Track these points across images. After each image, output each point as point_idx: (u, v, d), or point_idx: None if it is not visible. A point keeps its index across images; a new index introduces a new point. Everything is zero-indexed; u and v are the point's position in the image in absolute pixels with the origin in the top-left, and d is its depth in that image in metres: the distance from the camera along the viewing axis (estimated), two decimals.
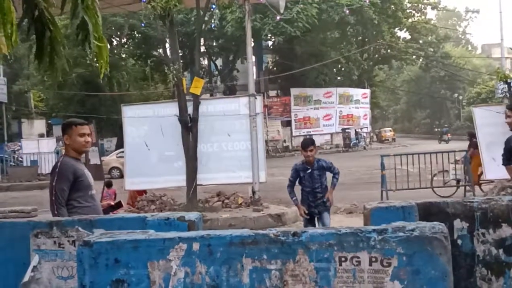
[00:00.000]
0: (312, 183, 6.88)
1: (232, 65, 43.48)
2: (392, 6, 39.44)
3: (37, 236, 3.03)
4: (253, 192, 11.47)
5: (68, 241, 2.99)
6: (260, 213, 10.85)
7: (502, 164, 6.65)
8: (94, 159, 12.32)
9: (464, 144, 15.42)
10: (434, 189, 12.97)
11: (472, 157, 12.98)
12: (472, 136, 14.14)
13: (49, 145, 28.86)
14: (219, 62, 45.96)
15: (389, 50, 46.89)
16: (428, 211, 2.85)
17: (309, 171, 6.88)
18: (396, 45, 44.72)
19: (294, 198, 7.03)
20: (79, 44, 3.38)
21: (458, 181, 12.99)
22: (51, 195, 4.15)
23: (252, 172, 11.45)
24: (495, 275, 2.71)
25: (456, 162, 13.06)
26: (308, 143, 6.98)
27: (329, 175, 7.05)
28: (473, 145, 13.46)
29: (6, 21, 2.96)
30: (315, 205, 6.93)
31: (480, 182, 13.07)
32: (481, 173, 12.93)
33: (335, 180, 7.03)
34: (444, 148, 16.36)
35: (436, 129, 57.87)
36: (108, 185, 11.87)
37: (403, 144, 45.67)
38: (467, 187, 12.92)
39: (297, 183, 7.10)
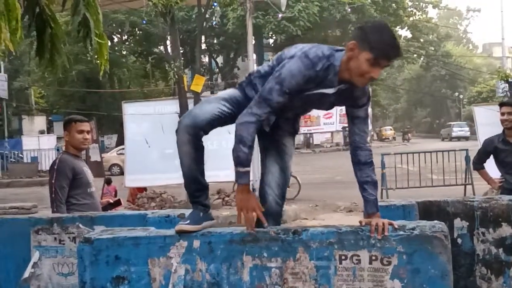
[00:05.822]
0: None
1: (233, 63, 43.41)
2: (394, 5, 39.32)
3: (38, 233, 3.03)
4: (253, 190, 11.46)
5: (69, 237, 3.00)
6: None
7: (474, 169, 6.01)
8: (95, 156, 12.32)
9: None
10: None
11: None
12: None
13: (49, 141, 28.85)
14: (220, 59, 45.89)
15: None
16: (428, 210, 2.86)
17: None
18: None
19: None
20: (80, 41, 3.38)
21: None
22: (51, 193, 4.14)
23: (252, 170, 11.45)
24: (495, 274, 2.71)
25: None
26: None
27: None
28: None
29: (11, 18, 2.97)
30: None
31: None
32: None
33: None
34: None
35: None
36: (108, 182, 11.88)
37: (404, 143, 45.72)
38: None
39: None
